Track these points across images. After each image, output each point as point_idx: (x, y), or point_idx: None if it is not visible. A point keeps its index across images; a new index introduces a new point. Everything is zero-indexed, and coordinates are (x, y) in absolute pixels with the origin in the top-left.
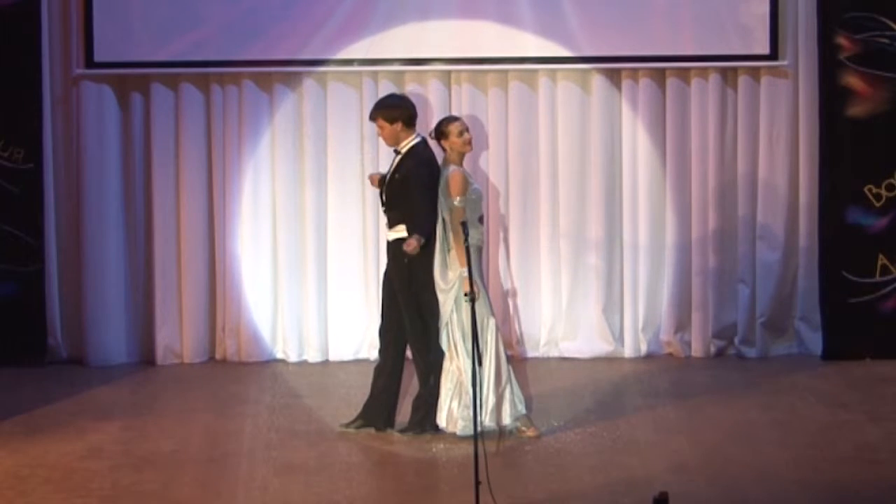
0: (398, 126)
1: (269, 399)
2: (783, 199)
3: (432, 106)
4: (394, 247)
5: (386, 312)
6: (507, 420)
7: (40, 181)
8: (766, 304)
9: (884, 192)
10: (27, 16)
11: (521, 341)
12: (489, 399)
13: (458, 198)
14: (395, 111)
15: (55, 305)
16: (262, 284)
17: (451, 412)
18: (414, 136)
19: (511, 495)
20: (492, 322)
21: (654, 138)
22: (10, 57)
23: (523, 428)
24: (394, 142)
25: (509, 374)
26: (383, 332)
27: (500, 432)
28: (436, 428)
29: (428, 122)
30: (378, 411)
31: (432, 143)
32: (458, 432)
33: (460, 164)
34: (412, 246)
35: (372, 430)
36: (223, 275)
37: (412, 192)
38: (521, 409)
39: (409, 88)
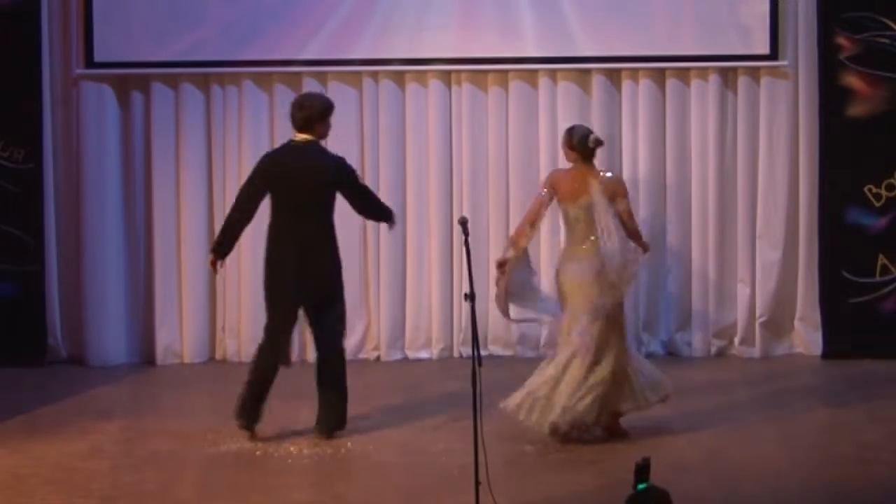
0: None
1: (269, 399)
2: (783, 199)
3: (432, 106)
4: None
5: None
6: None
7: (40, 181)
8: (766, 304)
9: (884, 192)
10: (27, 16)
11: (520, 341)
12: (553, 397)
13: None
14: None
15: (55, 305)
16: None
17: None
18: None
19: (511, 495)
20: (583, 319)
21: (654, 138)
22: (10, 57)
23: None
24: None
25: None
26: (286, 341)
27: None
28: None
29: (427, 121)
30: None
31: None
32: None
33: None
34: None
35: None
36: (223, 275)
37: None
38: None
39: (410, 88)
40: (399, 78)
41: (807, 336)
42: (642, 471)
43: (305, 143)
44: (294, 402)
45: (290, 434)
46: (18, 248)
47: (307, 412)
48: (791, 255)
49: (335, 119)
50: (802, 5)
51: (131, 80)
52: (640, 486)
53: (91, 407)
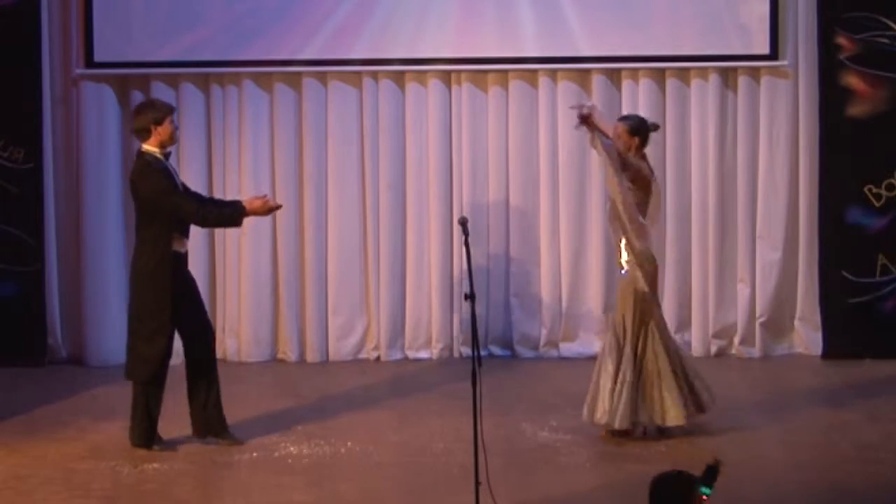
0: None
1: (269, 399)
2: (783, 199)
3: (432, 106)
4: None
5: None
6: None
7: (40, 181)
8: (766, 304)
9: (884, 192)
10: (27, 16)
11: (520, 342)
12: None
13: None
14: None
15: (55, 305)
16: (262, 284)
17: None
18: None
19: (511, 495)
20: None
21: (655, 138)
22: (10, 57)
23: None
24: None
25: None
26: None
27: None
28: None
29: (427, 121)
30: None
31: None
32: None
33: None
34: None
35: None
36: (223, 275)
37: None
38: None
39: (410, 88)
40: (399, 78)
41: (807, 336)
42: (713, 472)
43: (137, 153)
44: (293, 402)
45: (290, 434)
46: (18, 248)
47: (306, 412)
48: (791, 255)
49: (336, 118)
50: (802, 5)
51: (131, 80)
52: (705, 490)
53: (91, 407)
